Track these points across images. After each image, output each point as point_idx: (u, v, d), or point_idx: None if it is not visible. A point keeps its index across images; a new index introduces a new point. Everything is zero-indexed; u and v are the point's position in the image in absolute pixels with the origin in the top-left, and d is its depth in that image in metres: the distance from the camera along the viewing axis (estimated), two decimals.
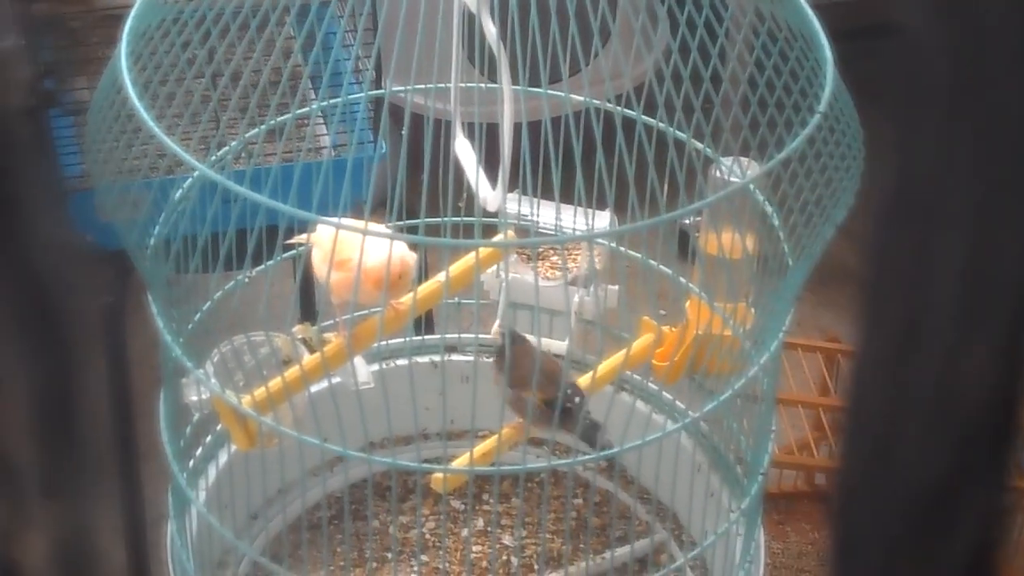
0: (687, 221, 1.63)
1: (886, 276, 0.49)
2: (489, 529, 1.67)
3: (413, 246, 1.37)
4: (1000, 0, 0.42)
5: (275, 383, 1.35)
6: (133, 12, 1.31)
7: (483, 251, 1.43)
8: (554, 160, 1.32)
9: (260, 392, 1.35)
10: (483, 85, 1.43)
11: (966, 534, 0.51)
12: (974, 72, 0.44)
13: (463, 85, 1.46)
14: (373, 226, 1.25)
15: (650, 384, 1.67)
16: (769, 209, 1.44)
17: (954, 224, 0.46)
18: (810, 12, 1.40)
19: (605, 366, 1.44)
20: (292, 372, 1.36)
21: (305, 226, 1.28)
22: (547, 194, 1.48)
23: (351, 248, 1.27)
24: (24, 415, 0.58)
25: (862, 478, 0.53)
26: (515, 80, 1.32)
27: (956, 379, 0.48)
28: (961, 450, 0.50)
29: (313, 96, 1.80)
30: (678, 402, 1.66)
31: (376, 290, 1.29)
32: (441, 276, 1.44)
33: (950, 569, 0.52)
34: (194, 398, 1.42)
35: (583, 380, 1.42)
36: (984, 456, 0.50)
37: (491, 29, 1.21)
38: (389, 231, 1.27)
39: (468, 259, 1.46)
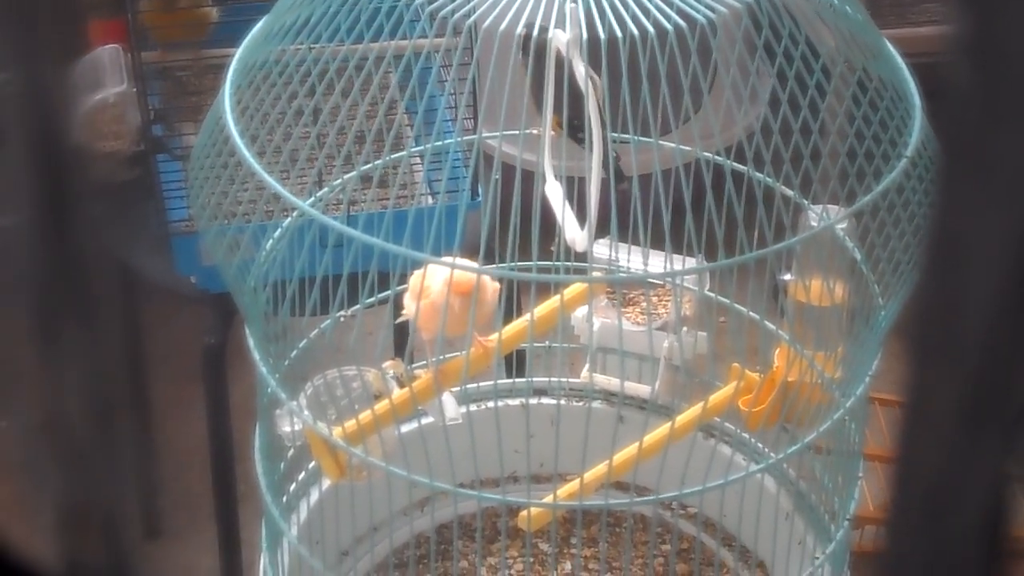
0: (784, 278, 1.64)
1: (931, 325, 0.51)
2: (575, 573, 1.68)
3: (499, 281, 1.39)
4: None
5: (365, 416, 1.38)
6: (238, 53, 1.37)
7: (570, 292, 1.45)
8: (641, 209, 1.34)
9: (351, 424, 1.38)
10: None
11: None
12: (1004, 132, 0.46)
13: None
14: (461, 261, 1.28)
15: (737, 431, 1.67)
16: (858, 256, 1.44)
17: (983, 273, 0.48)
18: (901, 63, 1.42)
19: (685, 416, 1.44)
20: (382, 406, 1.39)
21: (398, 264, 1.31)
22: (637, 242, 1.50)
23: (435, 279, 1.31)
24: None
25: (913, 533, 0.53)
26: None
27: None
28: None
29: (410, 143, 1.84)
30: (763, 446, 1.66)
31: (456, 300, 1.30)
32: (527, 316, 1.47)
33: None
34: (287, 429, 1.46)
35: (664, 428, 1.43)
36: None
37: (580, 70, 1.24)
38: (476, 265, 1.30)
39: (555, 300, 1.49)
